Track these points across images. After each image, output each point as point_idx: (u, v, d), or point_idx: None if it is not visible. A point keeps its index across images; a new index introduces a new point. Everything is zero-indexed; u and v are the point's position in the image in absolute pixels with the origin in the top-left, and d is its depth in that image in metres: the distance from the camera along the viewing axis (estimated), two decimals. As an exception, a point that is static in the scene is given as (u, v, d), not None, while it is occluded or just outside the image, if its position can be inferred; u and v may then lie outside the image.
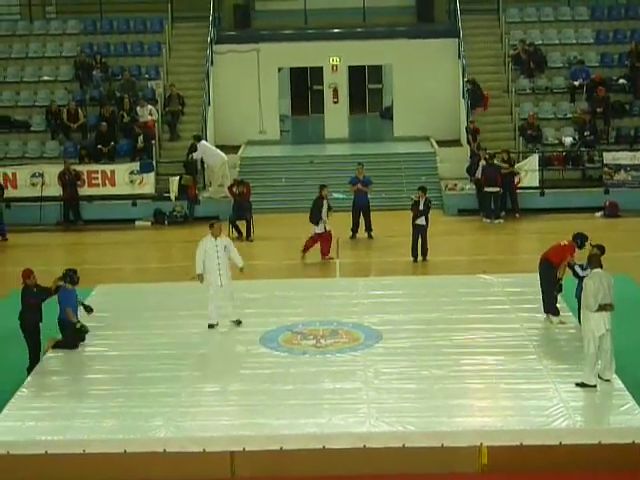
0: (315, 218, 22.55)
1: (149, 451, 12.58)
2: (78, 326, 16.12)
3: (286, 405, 13.53)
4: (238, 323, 17.09)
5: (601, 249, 14.52)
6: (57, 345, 15.96)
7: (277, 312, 17.71)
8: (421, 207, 22.26)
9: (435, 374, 14.47)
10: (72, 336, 16.03)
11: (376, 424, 12.79)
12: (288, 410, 13.34)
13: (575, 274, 16.04)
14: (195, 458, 12.55)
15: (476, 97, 30.29)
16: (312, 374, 14.69)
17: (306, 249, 22.43)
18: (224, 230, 17.19)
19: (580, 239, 16.52)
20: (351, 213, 25.01)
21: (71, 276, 16.22)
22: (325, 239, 22.58)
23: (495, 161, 26.96)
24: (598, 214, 26.80)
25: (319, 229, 22.56)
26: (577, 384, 13.80)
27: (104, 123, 28.80)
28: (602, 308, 13.60)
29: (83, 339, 16.21)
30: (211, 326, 16.94)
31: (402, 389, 13.96)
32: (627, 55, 30.52)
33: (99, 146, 28.58)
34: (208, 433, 12.76)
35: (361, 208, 24.91)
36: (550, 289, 16.64)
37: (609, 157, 27.89)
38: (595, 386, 13.71)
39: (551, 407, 13.15)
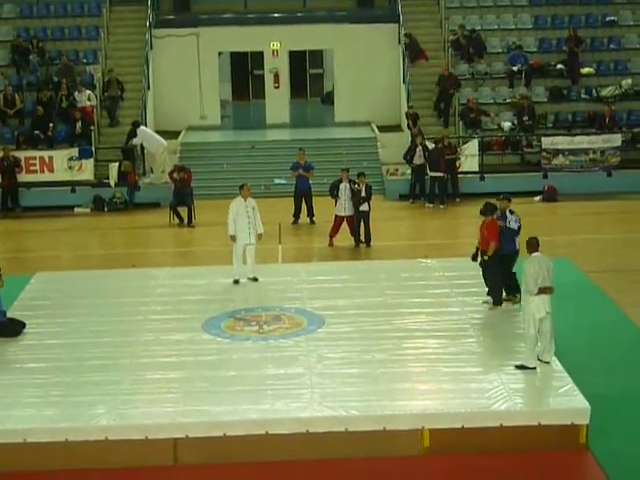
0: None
1: (91, 439, 12.48)
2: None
3: (229, 391, 13.49)
4: (255, 280, 18.40)
5: (509, 200, 15.14)
6: None
7: (219, 298, 17.67)
8: (363, 193, 22.32)
9: (377, 358, 14.52)
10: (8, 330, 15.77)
11: (319, 409, 12.82)
12: (231, 396, 13.31)
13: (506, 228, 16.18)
14: (137, 446, 12.46)
15: (414, 50, 30.48)
16: (255, 360, 14.68)
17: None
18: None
19: (484, 208, 16.59)
20: (293, 199, 25.03)
21: None
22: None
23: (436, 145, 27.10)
24: (537, 198, 27.06)
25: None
26: (517, 366, 13.94)
27: (40, 107, 28.41)
28: (542, 291, 13.76)
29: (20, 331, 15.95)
30: (236, 282, 18.35)
31: (345, 374, 13.99)
32: (565, 40, 30.82)
33: (36, 132, 28.22)
34: (150, 420, 12.69)
35: (303, 194, 24.90)
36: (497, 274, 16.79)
37: (547, 142, 28.12)
38: (535, 368, 13.86)
39: (491, 389, 13.27)
